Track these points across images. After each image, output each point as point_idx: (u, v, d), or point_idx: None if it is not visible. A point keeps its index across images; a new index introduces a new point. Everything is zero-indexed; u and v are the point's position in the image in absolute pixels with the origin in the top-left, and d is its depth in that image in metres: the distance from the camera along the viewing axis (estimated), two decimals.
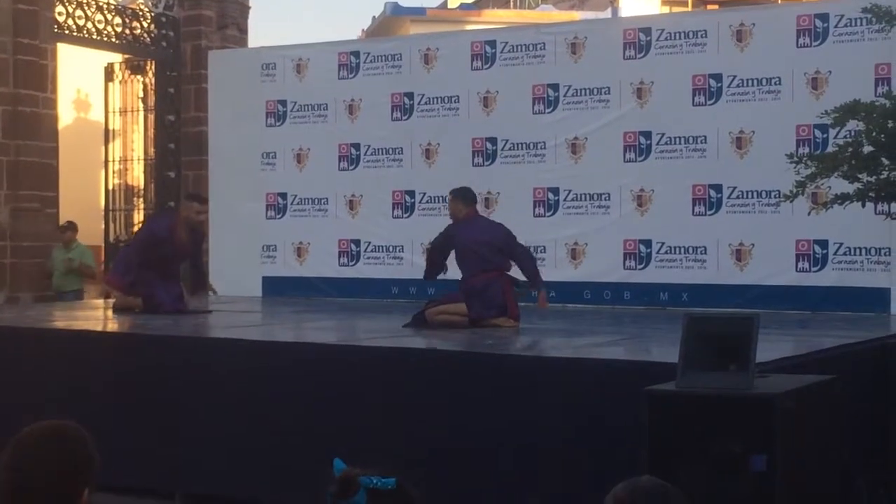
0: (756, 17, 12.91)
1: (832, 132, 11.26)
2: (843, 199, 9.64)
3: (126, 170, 19.16)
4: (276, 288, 15.12)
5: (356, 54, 15.06)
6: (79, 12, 17.25)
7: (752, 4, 13.90)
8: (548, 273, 13.40)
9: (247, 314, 12.54)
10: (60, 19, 16.90)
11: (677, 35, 13.17)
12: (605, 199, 13.46)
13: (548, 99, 13.77)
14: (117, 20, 17.91)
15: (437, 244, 11.06)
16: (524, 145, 13.89)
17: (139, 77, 18.79)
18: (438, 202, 14.11)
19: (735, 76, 12.80)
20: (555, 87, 13.73)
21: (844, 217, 10.81)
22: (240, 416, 8.61)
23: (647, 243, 13.23)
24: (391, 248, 14.41)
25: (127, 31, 18.08)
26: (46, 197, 16.39)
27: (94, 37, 17.65)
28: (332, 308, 13.54)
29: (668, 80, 13.12)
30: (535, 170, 13.80)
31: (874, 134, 9.39)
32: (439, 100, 14.39)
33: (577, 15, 29.90)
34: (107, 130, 18.96)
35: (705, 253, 12.93)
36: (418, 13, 32.83)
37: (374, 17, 36.90)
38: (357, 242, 14.83)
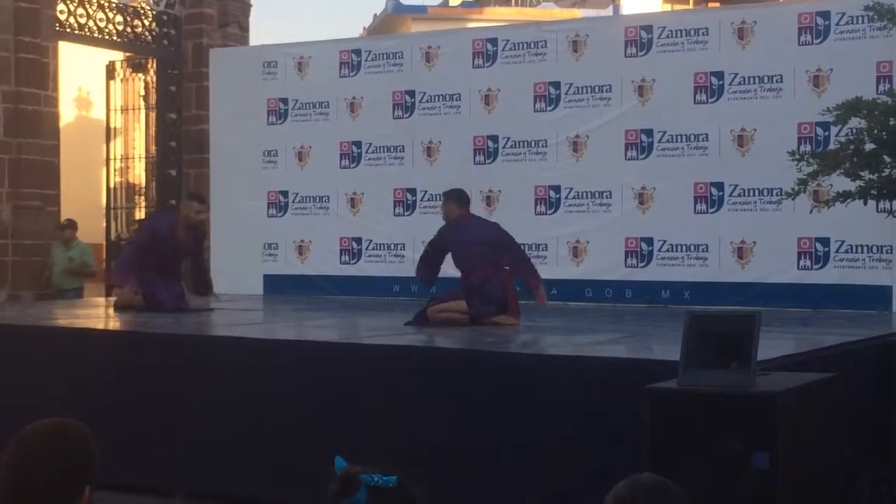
0: (757, 14, 12.90)
1: (834, 130, 11.27)
2: (844, 196, 9.62)
3: (127, 168, 19.18)
4: (277, 286, 15.12)
5: (357, 52, 15.06)
6: (80, 10, 17.25)
7: (753, 2, 13.89)
8: (549, 271, 13.43)
9: (248, 312, 12.54)
10: (62, 17, 16.91)
11: (679, 33, 13.16)
12: (607, 197, 13.45)
13: (549, 97, 13.77)
14: (119, 18, 17.92)
15: (433, 245, 11.05)
16: (525, 143, 13.89)
17: (140, 75, 18.80)
18: (440, 200, 14.04)
19: (736, 74, 12.79)
20: (556, 84, 13.73)
21: (846, 215, 10.80)
22: (241, 414, 8.61)
23: (649, 241, 13.22)
24: (392, 246, 14.41)
25: (128, 29, 18.09)
26: (48, 195, 16.40)
27: (96, 35, 17.65)
28: (334, 306, 13.53)
29: (670, 78, 13.12)
30: (536, 168, 13.80)
31: (876, 131, 9.38)
32: (441, 98, 14.39)
33: (579, 13, 29.85)
34: (108, 128, 18.98)
35: (707, 251, 12.93)
36: (420, 11, 32.80)
37: (375, 14, 36.88)
38: (358, 240, 14.83)
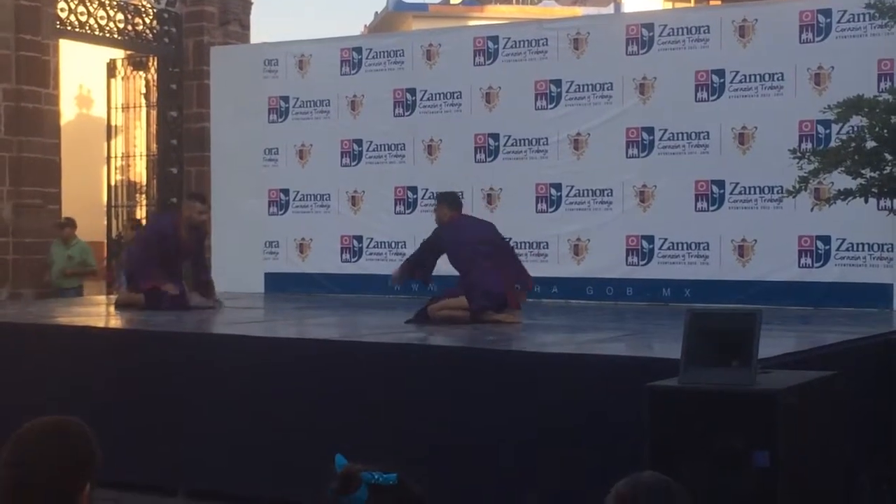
0: (759, 12, 12.89)
1: (835, 128, 11.25)
2: (845, 194, 9.62)
3: (128, 166, 19.18)
4: (278, 284, 15.12)
5: (358, 50, 15.06)
6: (81, 8, 17.25)
7: (754, 0, 13.87)
8: (550, 269, 13.47)
9: (249, 310, 12.55)
10: (63, 15, 16.91)
11: (680, 31, 13.16)
12: (608, 195, 13.45)
13: (550, 95, 13.77)
14: (119, 16, 17.92)
15: (429, 246, 11.05)
16: (526, 141, 13.89)
17: (141, 73, 18.80)
18: None
19: (738, 72, 12.79)
20: (557, 82, 13.72)
21: (847, 213, 10.79)
22: (242, 413, 8.61)
23: (650, 239, 13.22)
24: (393, 244, 14.40)
25: (129, 27, 18.09)
26: (49, 193, 16.40)
27: (97, 33, 17.65)
28: (335, 304, 13.54)
29: (671, 76, 13.11)
30: (537, 166, 13.80)
31: (877, 129, 9.38)
32: (441, 96, 14.38)
33: (580, 11, 29.89)
34: (109, 127, 18.98)
35: (708, 249, 12.93)
36: (420, 9, 32.84)
37: (376, 12, 36.89)
38: (359, 238, 14.83)
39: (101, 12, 17.60)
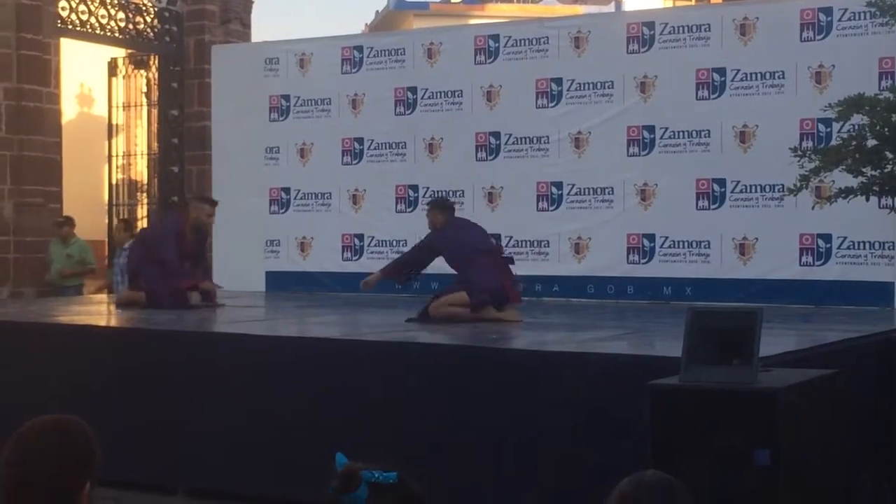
0: (760, 10, 12.88)
1: (836, 126, 11.25)
2: (846, 193, 9.62)
3: (129, 165, 19.17)
4: (279, 283, 15.13)
5: (359, 49, 15.06)
6: (82, 7, 17.24)
7: None
8: (551, 267, 13.49)
9: (250, 309, 12.54)
10: (64, 14, 16.90)
11: (681, 29, 13.16)
12: (609, 194, 13.45)
13: (551, 93, 13.77)
14: (120, 15, 17.91)
15: (426, 247, 11.06)
16: (527, 139, 13.88)
17: (142, 72, 18.79)
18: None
19: (739, 70, 12.79)
20: (558, 81, 13.72)
21: (848, 211, 10.80)
22: (243, 411, 8.61)
23: (651, 237, 13.22)
24: (394, 243, 14.37)
25: (130, 26, 18.08)
26: (50, 192, 16.39)
27: (98, 31, 17.65)
28: (336, 303, 13.54)
29: (672, 75, 13.11)
30: (538, 164, 13.80)
31: (878, 128, 9.38)
32: (442, 94, 14.38)
33: (581, 9, 29.89)
34: (110, 125, 18.98)
35: (709, 247, 12.92)
36: (421, 7, 32.86)
37: (377, 11, 36.92)
38: (360, 237, 14.83)
39: (102, 11, 17.59)
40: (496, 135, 14.05)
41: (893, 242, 11.99)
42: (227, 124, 15.89)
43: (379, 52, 14.89)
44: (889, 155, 9.40)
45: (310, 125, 15.22)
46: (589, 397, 7.22)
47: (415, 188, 14.51)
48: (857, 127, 9.92)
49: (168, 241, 12.17)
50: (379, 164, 14.76)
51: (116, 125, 18.97)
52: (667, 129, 13.12)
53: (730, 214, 12.78)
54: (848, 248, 12.30)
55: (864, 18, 12.00)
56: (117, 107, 18.81)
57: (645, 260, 13.25)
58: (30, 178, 16.05)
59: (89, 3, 17.37)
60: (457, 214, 11.17)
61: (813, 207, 11.87)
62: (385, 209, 14.66)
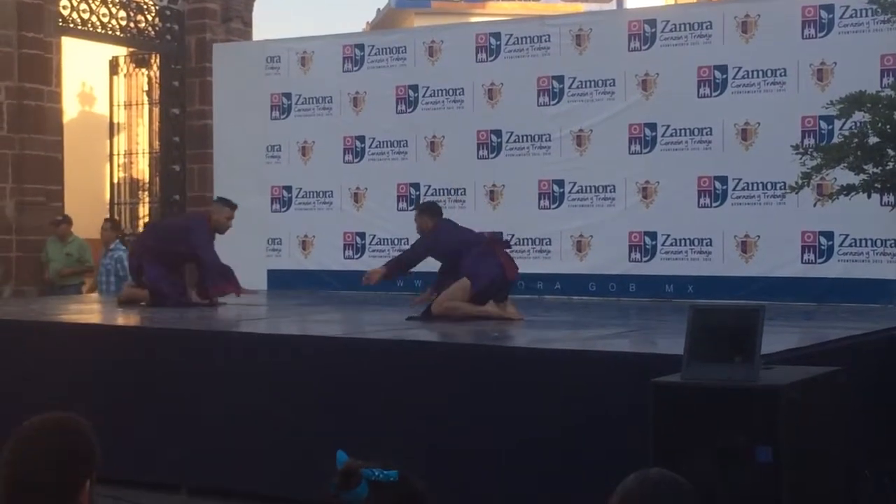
0: (761, 8, 12.87)
1: (837, 123, 11.24)
2: (848, 190, 9.61)
3: (131, 163, 19.16)
4: (281, 281, 15.13)
5: (361, 47, 15.06)
6: (83, 6, 17.24)
7: None
8: (553, 265, 13.50)
9: (252, 307, 12.53)
10: (65, 13, 16.90)
11: (682, 27, 13.16)
12: (611, 192, 13.46)
13: (553, 91, 13.77)
14: (122, 14, 17.90)
15: (426, 251, 11.07)
16: (529, 137, 13.88)
17: (144, 70, 18.78)
18: (443, 195, 14.13)
19: (740, 68, 12.79)
20: (560, 79, 13.72)
21: (850, 208, 10.79)
22: (244, 409, 8.61)
23: (653, 235, 13.22)
24: (396, 241, 14.35)
25: (131, 25, 18.07)
26: (51, 190, 16.39)
27: (99, 30, 17.64)
28: (337, 301, 13.54)
29: (674, 72, 13.11)
30: (540, 162, 13.80)
31: (880, 125, 9.36)
32: (444, 92, 14.38)
33: (582, 7, 29.86)
34: (111, 124, 18.96)
35: (711, 245, 12.92)
36: (423, 5, 32.84)
37: (378, 9, 36.89)
38: (362, 235, 14.84)
39: (103, 10, 17.58)
40: (497, 133, 14.05)
41: (895, 240, 11.98)
42: (229, 123, 15.89)
43: (380, 51, 14.90)
44: (891, 152, 9.38)
45: (311, 123, 15.22)
46: (591, 395, 7.22)
47: (416, 186, 14.51)
48: (858, 124, 9.89)
49: (209, 242, 12.18)
50: (380, 162, 14.76)
51: (118, 124, 18.96)
52: (668, 126, 13.12)
53: (732, 212, 12.79)
54: (850, 245, 12.30)
55: (866, 16, 12.01)
56: (119, 105, 18.80)
57: (647, 258, 13.25)
58: (31, 177, 16.04)
59: (90, 1, 17.36)
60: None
61: (815, 205, 11.88)
62: (386, 207, 14.66)
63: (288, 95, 15.39)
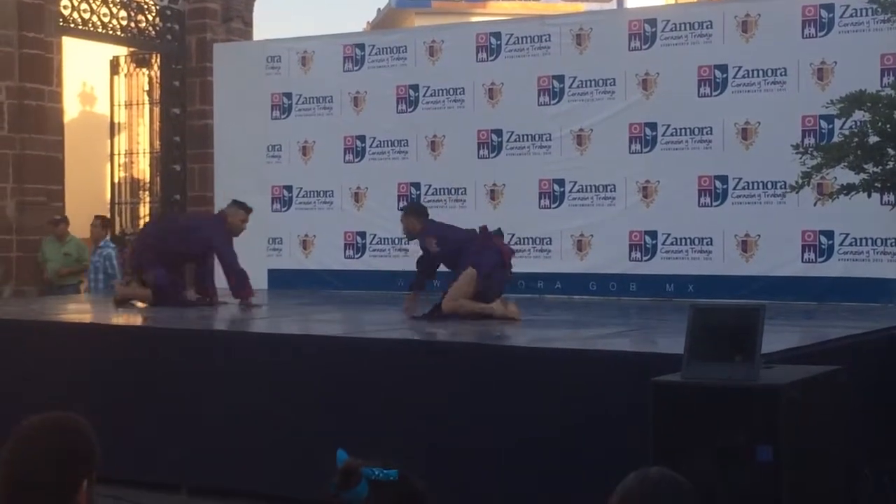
0: (761, 7, 12.87)
1: (838, 123, 11.24)
2: (848, 189, 9.61)
3: (132, 163, 19.16)
4: (281, 281, 15.12)
5: (361, 47, 15.06)
6: (84, 6, 17.24)
7: None
8: (554, 265, 13.50)
9: (253, 307, 12.53)
10: (66, 13, 16.90)
11: (683, 26, 13.16)
12: (611, 191, 13.46)
13: (553, 90, 13.77)
14: (122, 13, 17.91)
15: (428, 260, 11.12)
16: (529, 137, 13.88)
17: (144, 70, 18.78)
18: (444, 194, 14.15)
19: (741, 67, 12.79)
20: (560, 78, 13.72)
21: (850, 208, 10.79)
22: (245, 409, 8.61)
23: (653, 234, 13.22)
24: (397, 241, 14.33)
25: (132, 25, 18.08)
26: (52, 190, 16.39)
27: (100, 30, 17.64)
28: (338, 300, 13.54)
29: (674, 72, 13.11)
30: (540, 161, 13.80)
31: (880, 124, 9.36)
32: (444, 92, 14.38)
33: (583, 6, 29.87)
34: (112, 124, 18.97)
35: (711, 244, 12.93)
36: (423, 5, 32.85)
37: (379, 9, 36.90)
38: (363, 235, 14.84)
39: (104, 9, 17.59)
40: (498, 132, 14.05)
41: (895, 239, 11.98)
42: (229, 122, 15.89)
43: (381, 50, 14.90)
44: (891, 151, 9.38)
45: (312, 123, 15.22)
46: (591, 394, 7.22)
47: (417, 186, 14.51)
48: (858, 123, 9.89)
49: (229, 244, 12.18)
50: (381, 161, 14.77)
51: (118, 123, 18.97)
52: (669, 126, 13.12)
53: (732, 211, 12.79)
54: (850, 244, 12.30)
55: (866, 15, 12.00)
56: (119, 105, 18.81)
57: (647, 257, 13.25)
58: (32, 177, 16.04)
59: (91, 1, 17.37)
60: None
61: (815, 204, 11.88)
62: (387, 207, 14.64)
63: (288, 95, 15.39)
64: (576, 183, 13.62)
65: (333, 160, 15.03)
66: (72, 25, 17.07)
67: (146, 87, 18.83)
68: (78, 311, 12.31)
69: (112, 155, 19.00)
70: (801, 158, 9.66)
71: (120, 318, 11.49)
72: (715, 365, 5.66)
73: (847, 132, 9.99)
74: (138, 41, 18.40)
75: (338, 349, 8.68)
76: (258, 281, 14.92)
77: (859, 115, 9.78)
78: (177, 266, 12.40)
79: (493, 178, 14.00)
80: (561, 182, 13.69)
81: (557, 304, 12.76)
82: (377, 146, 14.81)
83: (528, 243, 13.63)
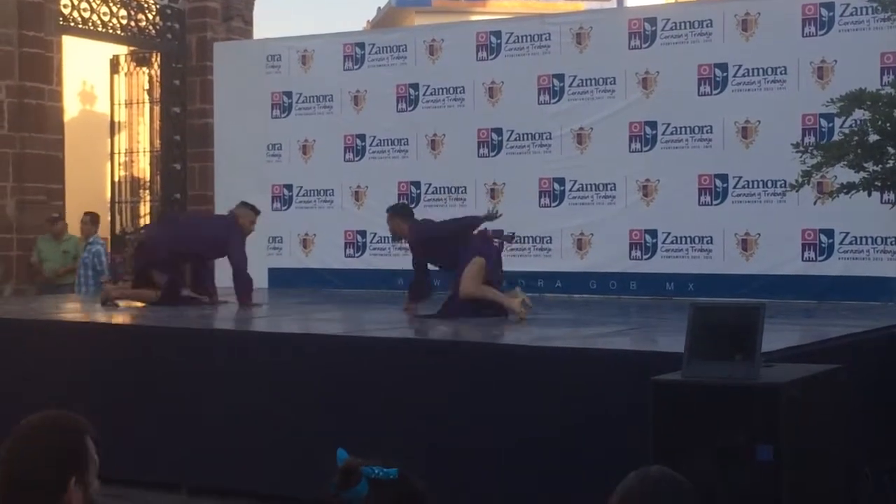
0: (761, 6, 12.88)
1: (838, 121, 11.26)
2: (848, 188, 9.60)
3: (132, 162, 19.16)
4: (282, 279, 15.13)
5: (361, 45, 15.07)
6: (84, 4, 17.23)
7: None
8: (554, 263, 13.50)
9: (253, 306, 12.53)
10: (66, 11, 16.89)
11: (683, 25, 13.16)
12: (611, 190, 13.46)
13: (553, 89, 13.77)
14: (122, 12, 17.90)
15: (420, 263, 11.13)
16: (529, 136, 13.89)
17: (144, 69, 18.77)
18: (444, 193, 14.16)
19: (741, 66, 12.79)
20: (560, 77, 13.73)
21: (850, 206, 10.79)
22: (245, 409, 8.61)
23: (653, 233, 13.22)
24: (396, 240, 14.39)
25: (132, 24, 18.07)
26: (52, 189, 16.39)
27: (100, 29, 17.64)
28: (338, 299, 13.55)
29: (674, 70, 13.12)
30: (540, 160, 13.81)
31: (880, 123, 9.36)
32: (444, 91, 14.39)
33: (583, 5, 29.85)
34: (112, 122, 18.97)
35: (711, 243, 12.93)
36: (423, 4, 32.83)
37: (379, 8, 36.87)
38: (363, 233, 14.84)
39: (104, 8, 17.58)
40: (498, 131, 14.06)
41: (895, 238, 11.98)
42: (230, 121, 15.90)
43: (381, 49, 14.90)
44: (891, 150, 9.38)
45: (312, 122, 15.23)
46: (591, 394, 7.22)
47: (417, 185, 14.51)
48: (858, 122, 9.90)
49: (243, 246, 12.20)
50: (381, 160, 14.77)
51: (119, 122, 18.96)
52: (669, 124, 13.13)
53: (732, 210, 12.79)
54: (850, 243, 12.30)
55: (866, 14, 12.01)
56: (119, 104, 18.81)
57: (647, 256, 13.26)
58: (32, 176, 16.04)
59: (91, 0, 17.37)
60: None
61: (815, 203, 11.88)
62: (387, 206, 14.62)
63: (289, 94, 15.40)
64: (576, 182, 13.62)
65: (334, 159, 15.04)
66: (72, 24, 17.07)
67: (146, 86, 18.82)
68: (78, 310, 12.30)
69: (112, 154, 19.00)
70: (801, 157, 9.66)
71: (120, 318, 11.48)
72: (715, 364, 5.66)
73: (847, 131, 9.99)
74: (138, 40, 18.40)
75: (338, 348, 8.67)
76: (259, 280, 14.91)
77: (859, 114, 9.78)
78: (178, 266, 12.41)
79: (494, 176, 14.00)
80: (561, 181, 13.69)
81: (557, 302, 12.76)
82: (377, 145, 14.81)
83: (528, 242, 13.65)
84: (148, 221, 18.47)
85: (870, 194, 9.75)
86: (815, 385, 5.92)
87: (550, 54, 13.83)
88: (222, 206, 14.66)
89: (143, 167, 19.24)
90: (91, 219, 16.05)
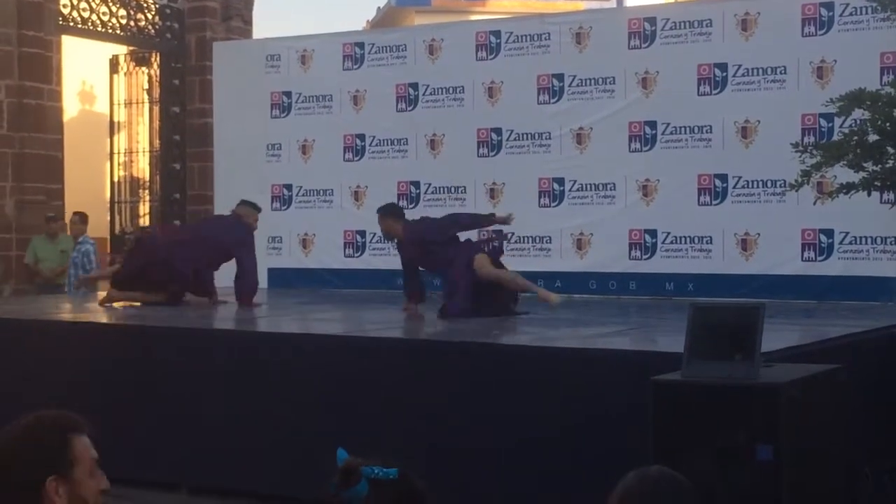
0: (761, 6, 12.87)
1: (837, 121, 11.26)
2: (848, 188, 9.60)
3: (131, 162, 19.16)
4: (281, 279, 15.11)
5: (361, 45, 15.06)
6: (83, 4, 17.25)
7: None
8: (553, 263, 13.49)
9: (253, 306, 12.53)
10: (65, 11, 16.90)
11: (682, 24, 13.16)
12: (611, 189, 13.45)
13: (553, 89, 13.76)
14: (122, 12, 17.91)
15: (410, 265, 11.15)
16: (529, 136, 13.88)
17: (144, 69, 18.78)
18: (444, 193, 14.15)
19: (740, 65, 12.78)
20: (560, 77, 13.72)
21: (850, 206, 10.78)
22: (244, 409, 8.61)
23: (653, 233, 13.22)
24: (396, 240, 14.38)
25: (132, 23, 18.08)
26: (52, 189, 16.40)
27: (99, 29, 17.65)
28: (338, 299, 13.54)
29: (674, 70, 13.11)
30: (540, 160, 13.80)
31: (879, 122, 9.35)
32: (444, 90, 14.38)
33: (582, 5, 29.85)
34: (112, 122, 18.97)
35: (711, 243, 12.92)
36: (423, 4, 32.82)
37: (378, 7, 36.86)
38: (363, 233, 14.83)
39: (103, 8, 17.59)
40: (498, 131, 14.05)
41: (895, 237, 11.98)
42: (229, 121, 15.89)
43: (380, 49, 14.90)
44: (890, 150, 9.37)
45: (311, 122, 15.22)
46: (591, 393, 7.22)
47: (416, 184, 14.51)
48: (858, 122, 9.89)
49: (254, 250, 12.21)
50: (380, 160, 14.77)
51: (118, 122, 18.97)
52: (668, 124, 13.12)
53: (732, 210, 12.79)
54: (850, 243, 12.29)
55: (866, 13, 12.00)
56: (119, 104, 18.81)
57: (647, 255, 13.25)
58: (31, 176, 16.05)
59: (91, 0, 17.37)
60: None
61: (815, 203, 11.87)
62: None
63: (288, 94, 15.39)
64: (575, 181, 13.62)
65: (333, 159, 15.03)
66: (71, 24, 17.08)
67: (146, 86, 18.83)
68: (77, 310, 12.29)
69: (112, 154, 19.00)
70: (800, 157, 9.65)
71: (120, 318, 11.48)
72: (715, 364, 5.66)
73: (847, 130, 9.99)
74: (138, 40, 18.40)
75: (338, 348, 8.68)
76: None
77: (859, 114, 9.77)
78: (177, 267, 12.39)
79: (493, 176, 13.99)
80: (561, 181, 13.69)
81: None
82: (377, 145, 14.81)
83: (528, 242, 13.64)
84: (147, 222, 18.48)
85: (869, 194, 9.75)
86: (815, 385, 5.92)
87: (550, 54, 13.83)
88: (222, 206, 14.65)
89: (142, 167, 19.24)
90: (80, 218, 16.02)
